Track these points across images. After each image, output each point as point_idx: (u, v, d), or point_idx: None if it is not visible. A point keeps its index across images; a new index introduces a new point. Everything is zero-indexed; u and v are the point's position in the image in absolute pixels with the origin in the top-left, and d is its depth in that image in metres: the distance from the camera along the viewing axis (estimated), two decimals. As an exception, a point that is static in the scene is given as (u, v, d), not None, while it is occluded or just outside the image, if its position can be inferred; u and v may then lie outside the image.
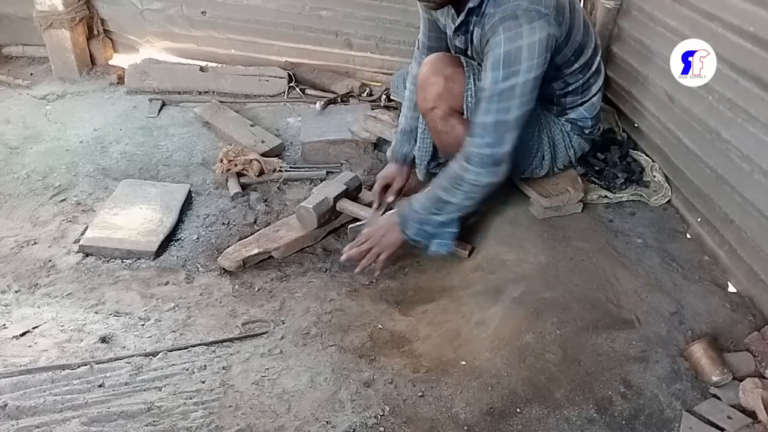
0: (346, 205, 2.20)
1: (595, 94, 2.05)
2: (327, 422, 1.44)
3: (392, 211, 2.02)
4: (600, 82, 2.06)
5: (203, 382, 1.56)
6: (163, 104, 3.17)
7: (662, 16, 2.17)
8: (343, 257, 1.97)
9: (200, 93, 3.27)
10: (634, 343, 1.62)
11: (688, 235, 2.04)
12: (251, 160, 2.55)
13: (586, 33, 1.91)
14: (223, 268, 2.08)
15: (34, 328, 1.76)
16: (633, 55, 2.39)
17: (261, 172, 2.57)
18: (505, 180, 2.09)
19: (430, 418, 1.46)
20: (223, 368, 1.61)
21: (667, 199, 2.16)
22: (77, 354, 1.65)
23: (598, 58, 2.02)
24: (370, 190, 2.42)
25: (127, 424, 1.42)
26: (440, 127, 1.95)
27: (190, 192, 2.44)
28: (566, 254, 1.90)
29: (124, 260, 2.12)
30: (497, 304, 1.77)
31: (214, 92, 3.27)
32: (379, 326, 1.81)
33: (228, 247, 2.13)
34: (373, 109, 2.89)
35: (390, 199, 2.16)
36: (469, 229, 2.13)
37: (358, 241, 1.96)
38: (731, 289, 1.82)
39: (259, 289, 2.02)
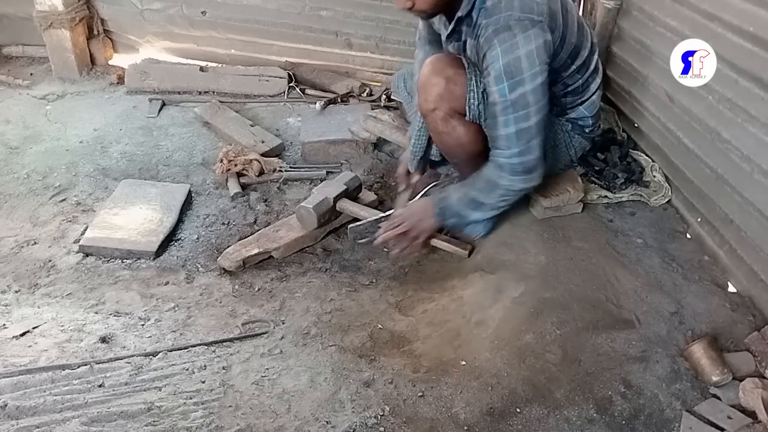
0: (346, 205, 2.20)
1: (595, 93, 2.05)
2: (327, 422, 1.44)
3: (424, 197, 2.05)
4: (598, 80, 2.06)
5: (203, 382, 1.56)
6: (163, 104, 3.17)
7: (662, 16, 2.16)
8: (378, 240, 1.98)
9: (200, 93, 3.27)
10: (634, 343, 1.62)
11: (688, 235, 2.04)
12: (251, 160, 2.55)
13: (580, 34, 1.91)
14: (223, 268, 2.08)
15: (34, 328, 1.76)
16: (633, 55, 2.39)
17: (261, 172, 2.57)
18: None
19: (430, 418, 1.46)
20: (223, 368, 1.61)
21: (667, 199, 2.16)
22: (77, 354, 1.65)
23: (595, 57, 2.02)
24: (370, 190, 2.42)
25: (127, 424, 1.42)
26: (441, 129, 1.94)
27: (190, 192, 2.44)
28: (566, 254, 1.90)
29: (124, 260, 2.12)
30: (497, 304, 1.77)
31: (214, 92, 3.27)
32: (379, 326, 1.81)
33: (228, 247, 2.13)
34: (373, 109, 2.89)
35: (415, 179, 2.18)
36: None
37: (392, 223, 1.97)
38: (731, 289, 1.82)
39: (259, 289, 2.02)
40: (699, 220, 2.00)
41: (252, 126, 2.90)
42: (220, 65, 3.42)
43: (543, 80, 1.72)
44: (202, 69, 3.34)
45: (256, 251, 2.09)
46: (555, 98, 2.02)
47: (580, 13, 2.67)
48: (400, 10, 1.78)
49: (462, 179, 2.02)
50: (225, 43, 3.47)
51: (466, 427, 1.44)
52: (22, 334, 1.73)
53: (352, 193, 2.25)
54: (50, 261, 2.11)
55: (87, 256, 2.13)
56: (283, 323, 1.83)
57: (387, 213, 2.11)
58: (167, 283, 2.03)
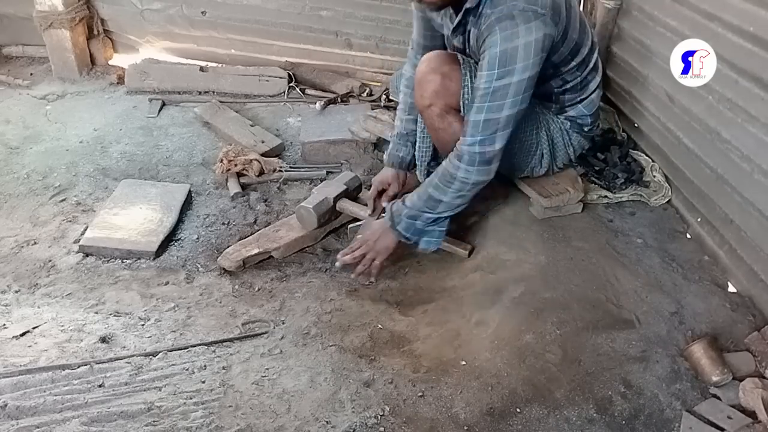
0: (346, 205, 2.20)
1: (594, 91, 2.05)
2: (327, 422, 1.44)
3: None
4: (598, 78, 2.06)
5: (203, 382, 1.56)
6: (163, 104, 3.17)
7: (662, 16, 2.17)
8: (338, 264, 1.98)
9: (200, 93, 3.27)
10: (634, 343, 1.62)
11: (688, 235, 2.04)
12: (251, 160, 2.55)
13: (582, 31, 1.91)
14: (223, 268, 2.08)
15: (34, 328, 1.76)
16: (633, 55, 2.39)
17: (261, 172, 2.57)
18: (504, 180, 2.11)
19: (430, 418, 1.46)
20: (223, 368, 1.61)
21: (667, 199, 2.16)
22: (77, 354, 1.65)
23: (595, 55, 2.03)
24: (370, 189, 2.42)
25: (127, 424, 1.42)
26: (437, 125, 1.95)
27: (190, 192, 2.44)
28: (566, 254, 1.90)
29: (124, 260, 2.12)
30: (497, 304, 1.77)
31: (214, 92, 3.27)
32: (379, 326, 1.81)
33: (228, 247, 2.13)
34: (373, 109, 2.89)
35: (385, 204, 2.13)
36: (469, 229, 2.13)
37: (351, 247, 1.97)
38: (731, 289, 1.82)
39: (259, 289, 2.02)
40: (699, 220, 2.00)
41: (252, 126, 2.90)
42: (220, 65, 3.42)
43: (531, 75, 1.71)
44: (202, 69, 3.33)
45: (256, 251, 2.09)
46: (554, 95, 2.03)
47: (580, 12, 2.67)
48: (411, 1, 1.78)
49: None
50: (225, 43, 3.47)
51: (466, 427, 1.44)
52: (22, 334, 1.73)
53: (352, 193, 2.25)
54: (50, 261, 2.11)
55: (87, 256, 2.13)
56: (283, 323, 1.82)
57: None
58: (167, 283, 2.03)
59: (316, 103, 3.03)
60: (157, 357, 1.64)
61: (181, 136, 2.89)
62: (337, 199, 2.18)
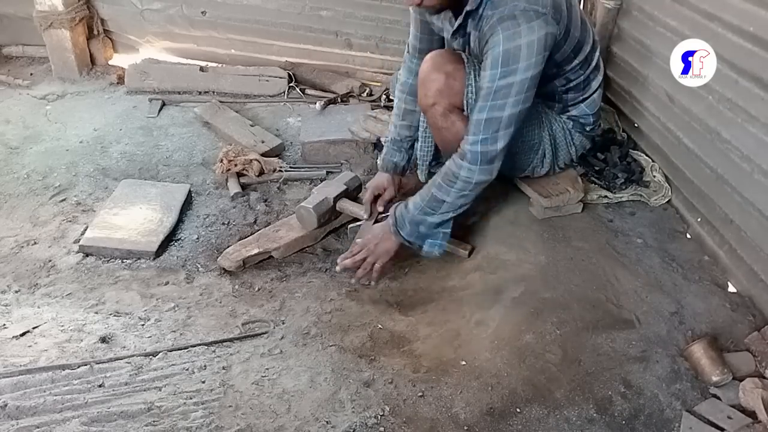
0: (346, 205, 2.19)
1: (596, 90, 2.05)
2: (327, 422, 1.44)
3: (386, 216, 2.01)
4: (600, 77, 2.06)
5: (203, 382, 1.56)
6: (163, 104, 3.17)
7: (662, 16, 2.17)
8: (338, 267, 1.97)
9: (200, 93, 3.27)
10: (634, 343, 1.62)
11: (688, 235, 2.04)
12: (251, 160, 2.55)
13: (583, 29, 1.91)
14: (223, 268, 2.08)
15: (34, 328, 1.76)
16: (633, 55, 2.39)
17: (261, 172, 2.57)
18: (504, 180, 2.11)
19: (430, 418, 1.46)
20: (223, 368, 1.61)
21: (667, 199, 2.16)
22: (77, 354, 1.65)
23: (597, 53, 2.03)
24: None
25: (127, 424, 1.42)
26: (440, 124, 1.95)
27: (190, 192, 2.44)
28: (566, 254, 1.90)
29: (124, 260, 2.12)
30: (497, 304, 1.77)
31: (214, 92, 3.27)
32: (379, 326, 1.81)
33: (228, 247, 2.13)
34: (373, 109, 2.89)
35: (380, 209, 2.13)
36: (469, 229, 2.13)
37: (351, 251, 1.97)
38: (731, 289, 1.82)
39: (259, 289, 2.02)
40: (699, 220, 2.00)
41: (252, 126, 2.90)
42: (220, 65, 3.42)
43: (535, 73, 1.71)
44: (202, 69, 3.34)
45: (256, 251, 2.09)
46: (557, 94, 2.03)
47: (580, 12, 2.67)
48: (409, 6, 1.79)
49: None
50: (225, 43, 3.47)
51: (466, 427, 1.44)
52: (22, 334, 1.73)
53: (352, 193, 2.25)
54: (50, 261, 2.11)
55: (87, 256, 2.13)
56: (283, 323, 1.82)
57: (387, 213, 2.10)
58: (167, 283, 2.03)
59: (316, 103, 3.03)
60: (157, 357, 1.64)
61: (181, 136, 2.89)
62: (337, 199, 2.17)
